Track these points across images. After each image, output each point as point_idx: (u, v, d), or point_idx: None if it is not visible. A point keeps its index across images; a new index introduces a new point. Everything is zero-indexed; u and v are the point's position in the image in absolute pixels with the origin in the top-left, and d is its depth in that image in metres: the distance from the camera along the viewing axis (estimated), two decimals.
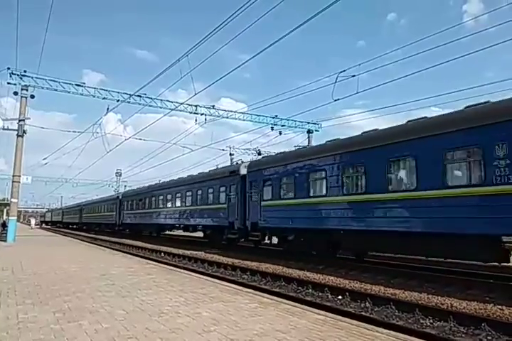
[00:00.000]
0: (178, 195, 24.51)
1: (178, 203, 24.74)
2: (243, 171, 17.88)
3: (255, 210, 16.45)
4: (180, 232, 30.31)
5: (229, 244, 19.54)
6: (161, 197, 27.39)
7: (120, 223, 36.26)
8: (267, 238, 17.09)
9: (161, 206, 27.45)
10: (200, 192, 21.79)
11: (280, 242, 16.57)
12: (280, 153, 17.64)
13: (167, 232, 31.61)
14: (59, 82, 22.11)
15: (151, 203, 29.15)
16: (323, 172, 13.20)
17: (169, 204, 26.12)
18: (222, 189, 19.38)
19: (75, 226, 63.42)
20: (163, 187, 27.86)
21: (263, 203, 16.01)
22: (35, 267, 10.47)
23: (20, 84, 21.26)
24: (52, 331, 4.46)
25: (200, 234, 24.61)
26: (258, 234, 16.74)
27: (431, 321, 6.63)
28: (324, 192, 13.12)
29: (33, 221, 62.52)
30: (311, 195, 13.78)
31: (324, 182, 13.14)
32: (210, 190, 20.60)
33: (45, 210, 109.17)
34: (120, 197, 37.53)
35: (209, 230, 22.03)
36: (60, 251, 16.50)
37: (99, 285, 7.70)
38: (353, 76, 16.90)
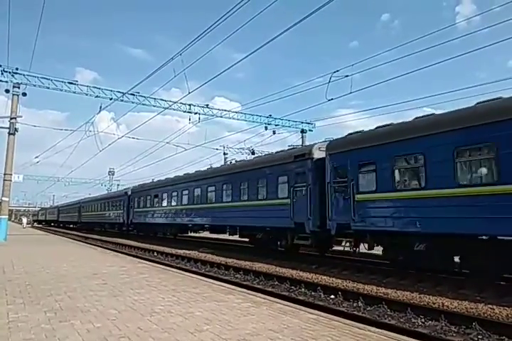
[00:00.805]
0: (211, 188, 19.99)
1: (210, 199, 20.01)
2: (318, 154, 13.52)
3: (344, 207, 11.87)
4: (203, 234, 26.08)
5: (288, 251, 15.21)
6: (186, 192, 22.68)
7: (129, 222, 31.44)
8: (364, 246, 12.14)
9: (184, 203, 22.71)
10: (245, 184, 17.17)
11: (390, 253, 11.37)
12: (386, 125, 11.69)
13: (183, 234, 27.16)
14: (51, 80, 21.94)
15: (171, 199, 24.56)
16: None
17: (197, 201, 21.37)
18: (283, 179, 14.81)
19: (72, 226, 58.82)
20: (188, 179, 23.04)
21: (358, 197, 11.43)
22: (26, 266, 10.38)
23: (11, 81, 21.05)
24: (43, 331, 4.43)
25: (236, 237, 19.91)
26: (349, 239, 12.16)
27: (422, 320, 6.67)
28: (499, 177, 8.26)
29: (24, 220, 61.82)
30: (464, 182, 8.97)
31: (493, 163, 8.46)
32: (262, 181, 15.99)
33: (37, 209, 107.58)
34: (129, 193, 32.22)
35: (260, 233, 16.56)
36: (52, 250, 16.38)
37: (91, 284, 7.66)
38: (347, 76, 16.98)
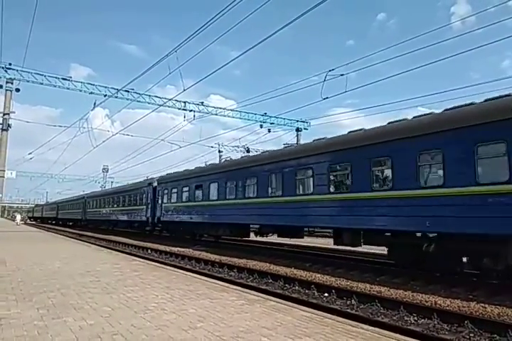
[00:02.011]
0: (301, 173, 13.62)
1: (299, 189, 13.82)
2: None
3: None
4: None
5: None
6: (252, 181, 16.17)
7: (156, 220, 25.23)
8: None
9: (250, 195, 16.29)
10: (370, 165, 11.00)
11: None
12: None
13: (242, 238, 19.45)
14: (45, 76, 21.82)
15: (225, 191, 18.17)
16: None
17: (275, 192, 15.01)
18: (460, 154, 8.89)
19: (71, 224, 53.88)
20: (257, 162, 16.42)
21: None
22: (19, 263, 10.32)
23: (5, 77, 20.94)
24: (35, 327, 4.40)
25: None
26: None
27: (415, 318, 6.71)
28: None
29: (18, 216, 61.37)
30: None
31: None
32: (412, 160, 9.87)
33: (30, 205, 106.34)
34: (155, 184, 26.11)
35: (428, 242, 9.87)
36: (45, 247, 16.28)
37: (84, 281, 7.62)
38: (342, 75, 17.05)
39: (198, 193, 20.59)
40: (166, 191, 24.28)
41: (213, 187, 19.17)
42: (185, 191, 21.92)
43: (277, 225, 15.26)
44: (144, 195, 27.31)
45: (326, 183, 12.50)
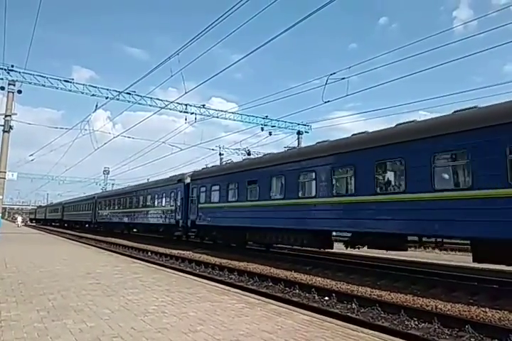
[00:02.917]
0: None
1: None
2: None
3: None
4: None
5: None
6: (348, 173, 11.99)
7: (189, 224, 20.91)
8: None
9: (340, 192, 12.30)
10: None
11: None
12: None
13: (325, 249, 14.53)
14: (47, 78, 21.86)
15: (295, 187, 13.79)
16: None
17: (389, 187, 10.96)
18: None
19: (77, 227, 49.31)
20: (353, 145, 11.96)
21: None
22: (19, 265, 10.32)
23: (7, 79, 20.97)
24: (35, 329, 4.40)
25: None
26: None
27: (416, 322, 6.68)
28: None
29: (19, 218, 61.29)
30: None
31: None
32: None
33: (31, 207, 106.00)
34: (186, 181, 21.98)
35: None
36: (46, 249, 16.28)
37: (85, 283, 7.62)
38: (343, 78, 17.04)
39: (252, 190, 15.98)
40: (203, 189, 19.88)
41: (275, 183, 14.81)
42: (233, 188, 17.38)
43: (379, 233, 10.86)
44: (173, 194, 23.12)
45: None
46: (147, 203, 27.48)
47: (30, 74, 21.46)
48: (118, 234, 32.95)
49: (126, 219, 31.30)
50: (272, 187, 15.09)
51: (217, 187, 18.73)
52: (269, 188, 15.20)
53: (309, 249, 15.12)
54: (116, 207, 34.07)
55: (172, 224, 22.93)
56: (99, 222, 38.78)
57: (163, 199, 24.77)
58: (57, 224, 61.62)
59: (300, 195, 13.60)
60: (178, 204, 22.35)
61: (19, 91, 21.44)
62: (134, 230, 32.53)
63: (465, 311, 7.24)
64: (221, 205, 18.22)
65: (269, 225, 15.02)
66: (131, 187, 33.80)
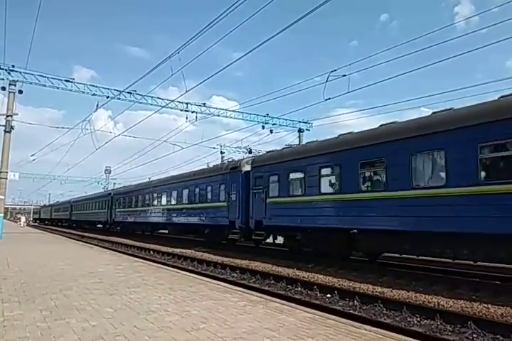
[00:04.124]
0: None
1: None
2: None
3: None
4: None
5: None
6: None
7: (252, 225, 16.06)
8: None
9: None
10: None
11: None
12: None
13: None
14: (48, 78, 21.87)
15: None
16: None
17: None
18: None
19: (86, 226, 46.16)
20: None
21: None
22: (22, 265, 10.34)
23: (8, 79, 21.00)
24: (38, 329, 4.41)
25: None
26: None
27: (418, 319, 6.69)
28: None
29: (23, 218, 61.16)
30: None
31: None
32: None
33: (33, 207, 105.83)
34: (245, 168, 17.09)
35: None
36: (48, 249, 16.32)
37: (87, 282, 7.63)
38: (344, 76, 16.98)
39: (376, 176, 11.49)
40: (274, 178, 15.16)
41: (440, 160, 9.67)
42: (330, 175, 12.80)
43: None
44: (224, 187, 18.10)
45: None
46: (185, 199, 22.11)
47: (31, 74, 21.48)
48: (157, 237, 28.24)
49: (153, 219, 26.29)
50: (419, 168, 10.09)
51: (300, 175, 13.81)
52: (413, 171, 10.07)
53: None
54: (139, 205, 29.00)
55: (223, 224, 17.81)
56: (116, 221, 34.37)
57: (209, 194, 19.52)
58: (65, 224, 57.97)
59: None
60: (233, 198, 17.15)
61: (20, 92, 21.47)
62: (164, 231, 28.25)
63: (467, 307, 7.24)
64: (309, 199, 13.27)
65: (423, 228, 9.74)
66: (159, 181, 27.55)
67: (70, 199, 57.62)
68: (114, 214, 34.52)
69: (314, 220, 13.12)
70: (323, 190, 12.90)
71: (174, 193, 23.62)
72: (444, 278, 9.75)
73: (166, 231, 27.47)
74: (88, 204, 43.95)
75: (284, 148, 16.16)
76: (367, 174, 11.77)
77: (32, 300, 5.98)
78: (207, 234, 20.66)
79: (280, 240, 16.59)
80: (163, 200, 25.21)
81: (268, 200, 15.31)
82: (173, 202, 23.75)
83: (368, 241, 11.75)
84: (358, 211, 11.57)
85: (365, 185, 11.75)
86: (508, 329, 5.78)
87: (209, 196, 19.67)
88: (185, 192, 22.11)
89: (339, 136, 13.26)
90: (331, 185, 12.85)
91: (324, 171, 13.01)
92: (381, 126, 11.90)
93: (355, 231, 12.10)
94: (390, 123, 11.69)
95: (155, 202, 26.60)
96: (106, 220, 36.42)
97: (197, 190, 20.92)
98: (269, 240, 17.43)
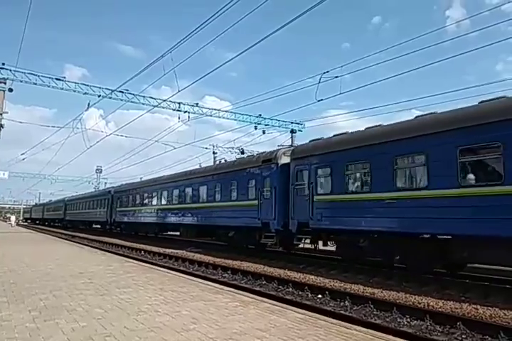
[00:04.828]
0: None
1: None
2: None
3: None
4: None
5: None
6: None
7: (296, 228, 13.19)
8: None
9: None
10: None
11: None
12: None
13: None
14: (38, 76, 21.64)
15: None
16: None
17: None
18: None
19: (80, 226, 43.39)
20: None
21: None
22: (10, 264, 10.24)
23: None
24: (27, 330, 4.37)
25: None
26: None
27: (408, 320, 6.73)
28: None
29: (12, 218, 60.52)
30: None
31: None
32: None
33: (23, 206, 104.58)
34: (282, 161, 14.59)
35: None
36: (38, 249, 16.17)
37: (77, 283, 7.58)
38: (336, 77, 17.07)
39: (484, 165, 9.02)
40: (323, 171, 12.60)
41: None
42: (409, 165, 10.37)
43: None
44: (254, 182, 15.64)
45: None
46: (201, 197, 19.53)
47: (22, 72, 21.23)
48: (161, 239, 26.46)
49: (162, 219, 23.80)
50: None
51: (364, 167, 11.30)
52: None
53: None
54: (145, 203, 26.49)
55: (253, 226, 15.29)
56: (117, 222, 31.45)
57: (234, 191, 16.91)
58: (58, 224, 54.50)
59: None
60: (266, 196, 14.77)
61: (10, 90, 21.20)
62: (175, 233, 25.59)
63: (456, 308, 7.31)
64: (378, 196, 10.58)
65: None
66: (168, 177, 24.61)
67: (64, 197, 54.26)
68: (115, 213, 31.60)
69: (387, 223, 10.29)
70: (399, 185, 10.20)
71: (188, 190, 20.98)
72: (434, 279, 9.82)
73: (178, 233, 24.05)
74: (85, 203, 40.81)
75: (335, 135, 12.92)
76: (471, 163, 8.96)
77: (21, 300, 5.92)
78: (231, 237, 17.55)
79: (328, 246, 13.37)
80: (175, 198, 22.42)
81: (316, 198, 12.55)
82: (188, 200, 20.93)
83: (466, 251, 9.13)
84: (455, 212, 8.85)
85: (468, 177, 8.91)
86: (496, 330, 5.84)
87: (234, 193, 16.92)
88: (203, 189, 19.37)
89: (424, 115, 10.52)
90: (413, 178, 10.26)
91: (401, 161, 10.33)
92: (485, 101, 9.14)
93: (449, 237, 9.34)
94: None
95: (164, 201, 23.83)
96: (105, 220, 33.50)
97: (218, 186, 18.15)
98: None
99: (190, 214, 20.52)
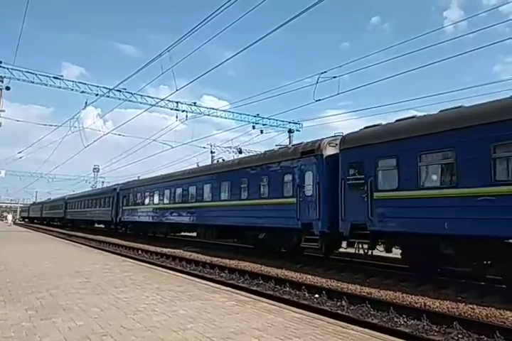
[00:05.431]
0: None
1: None
2: None
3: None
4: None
5: None
6: None
7: (348, 231, 11.18)
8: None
9: None
10: None
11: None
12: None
13: None
14: (36, 74, 21.56)
15: None
16: None
17: None
18: None
19: (81, 226, 40.84)
20: None
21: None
22: (7, 263, 10.21)
23: None
24: (23, 328, 4.36)
25: None
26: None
27: (405, 319, 6.75)
28: None
29: (9, 217, 60.28)
30: None
31: None
32: None
33: (20, 205, 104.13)
34: (328, 151, 12.66)
35: None
36: (34, 248, 16.12)
37: (74, 282, 7.56)
38: (334, 77, 17.08)
39: None
40: (387, 162, 10.59)
41: None
42: None
43: None
44: (291, 176, 13.75)
45: None
46: (224, 194, 17.54)
47: (19, 70, 21.15)
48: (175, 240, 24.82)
49: (176, 219, 21.83)
50: None
51: (446, 157, 9.34)
52: None
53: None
54: (156, 202, 24.64)
55: (291, 228, 13.50)
56: (124, 221, 29.32)
57: (265, 187, 15.04)
58: (58, 223, 52.46)
59: None
60: (308, 193, 12.98)
61: (7, 88, 21.14)
62: (191, 234, 24.41)
63: (453, 308, 7.33)
64: (469, 192, 8.62)
65: None
66: (183, 173, 22.72)
67: (65, 196, 51.99)
68: (121, 212, 29.32)
69: (481, 225, 8.28)
70: (501, 178, 8.21)
71: (207, 187, 18.97)
72: (431, 279, 9.84)
73: (195, 234, 22.21)
74: (87, 202, 38.41)
75: (399, 120, 10.93)
76: None
77: (17, 299, 5.90)
78: (262, 239, 15.56)
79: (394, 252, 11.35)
80: (191, 196, 20.36)
81: (376, 195, 10.58)
82: (206, 198, 18.93)
83: None
84: None
85: None
86: (492, 330, 5.86)
87: (265, 190, 15.05)
88: (225, 185, 17.46)
89: None
90: None
91: (503, 148, 8.27)
92: None
93: None
94: None
95: (178, 199, 21.73)
96: (110, 220, 31.32)
97: (244, 182, 16.22)
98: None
99: (209, 214, 18.52)
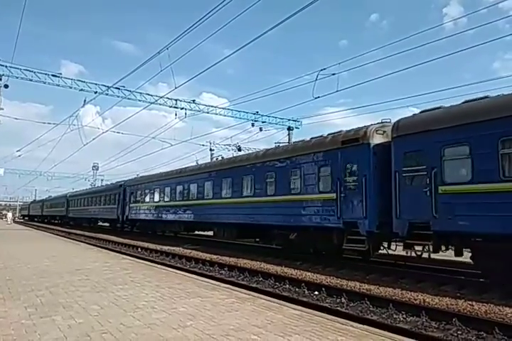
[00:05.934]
0: None
1: None
2: None
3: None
4: None
5: None
6: None
7: (406, 231, 9.63)
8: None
9: None
10: None
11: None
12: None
13: None
14: (34, 72, 21.53)
15: None
16: None
17: None
18: None
19: (83, 224, 39.85)
20: None
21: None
22: (6, 261, 10.21)
23: None
24: (23, 326, 4.36)
25: None
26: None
27: (404, 316, 6.76)
28: None
29: (9, 215, 60.21)
30: None
31: None
32: None
33: (19, 203, 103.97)
34: (376, 140, 10.95)
35: None
36: (34, 246, 16.13)
37: (74, 280, 7.57)
38: (333, 74, 17.05)
39: None
40: (456, 151, 9.05)
41: None
42: None
43: None
44: (330, 169, 12.21)
45: None
46: (247, 189, 15.95)
47: (17, 68, 21.12)
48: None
49: (190, 216, 20.34)
50: None
51: None
52: None
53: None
54: (167, 198, 23.16)
55: (330, 227, 11.94)
56: (131, 219, 27.95)
57: (297, 181, 13.33)
58: (59, 221, 50.89)
59: None
60: (351, 187, 11.48)
61: (6, 86, 21.12)
62: (207, 233, 22.98)
63: (452, 305, 7.34)
64: None
65: None
66: (200, 166, 21.35)
67: (67, 193, 50.36)
68: (128, 210, 27.79)
69: None
70: None
71: (226, 182, 17.42)
72: (430, 275, 9.86)
73: (212, 233, 20.39)
74: (91, 199, 36.69)
75: (467, 101, 9.41)
76: None
77: (17, 297, 5.91)
78: (294, 239, 13.84)
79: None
80: (207, 192, 18.86)
81: (442, 189, 9.04)
82: (226, 194, 17.37)
83: None
84: None
85: None
86: (491, 326, 5.88)
87: (297, 184, 13.36)
88: (248, 180, 15.90)
89: None
90: None
91: None
92: None
93: None
94: None
95: (193, 195, 20.17)
96: (116, 218, 29.84)
97: (270, 177, 14.66)
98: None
99: (228, 211, 17.01)
